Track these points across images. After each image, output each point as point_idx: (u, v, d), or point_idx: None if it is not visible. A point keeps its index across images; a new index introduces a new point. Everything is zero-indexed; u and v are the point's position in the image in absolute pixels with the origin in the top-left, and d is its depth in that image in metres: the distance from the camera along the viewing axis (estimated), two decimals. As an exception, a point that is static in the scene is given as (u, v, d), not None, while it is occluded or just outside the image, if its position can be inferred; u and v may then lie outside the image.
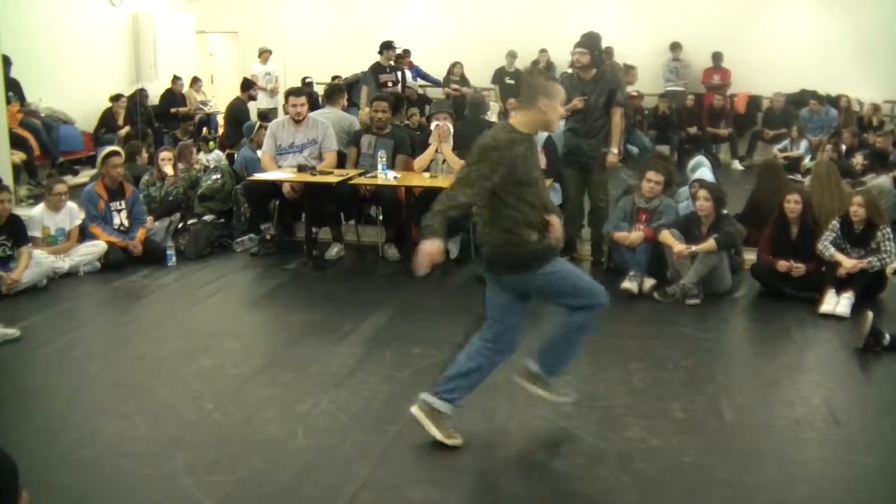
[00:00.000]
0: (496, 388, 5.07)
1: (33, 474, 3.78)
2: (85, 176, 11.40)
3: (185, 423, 4.67)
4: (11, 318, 6.17)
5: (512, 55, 15.22)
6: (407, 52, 14.66)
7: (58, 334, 6.07)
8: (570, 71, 7.95)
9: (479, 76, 15.32)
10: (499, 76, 15.37)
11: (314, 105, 10.87)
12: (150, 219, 8.28)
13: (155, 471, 4.16)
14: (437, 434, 4.36)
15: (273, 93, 14.99)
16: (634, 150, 13.63)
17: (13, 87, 11.07)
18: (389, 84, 12.07)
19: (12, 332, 5.90)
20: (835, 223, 6.97)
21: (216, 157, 10.75)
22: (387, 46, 12.31)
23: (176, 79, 14.74)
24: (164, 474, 4.11)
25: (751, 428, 4.71)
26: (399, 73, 13.40)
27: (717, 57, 14.80)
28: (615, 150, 7.60)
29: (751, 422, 4.79)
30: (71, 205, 7.81)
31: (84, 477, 4.11)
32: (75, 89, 13.22)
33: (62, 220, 7.68)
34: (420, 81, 15.03)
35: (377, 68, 12.12)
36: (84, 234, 7.82)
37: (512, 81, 15.11)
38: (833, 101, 14.04)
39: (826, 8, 14.47)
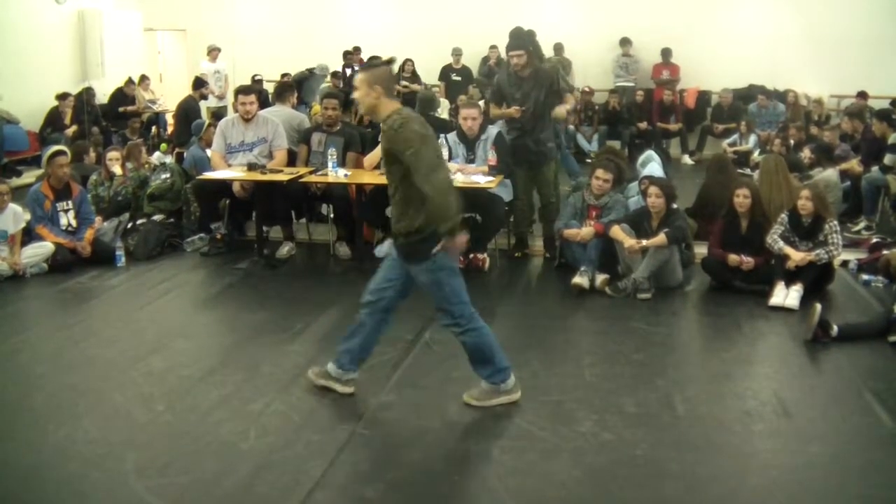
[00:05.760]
0: (450, 382, 5.09)
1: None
2: (30, 177, 11.22)
3: (135, 425, 4.60)
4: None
5: (457, 52, 15.26)
6: (357, 49, 14.61)
7: (3, 338, 5.96)
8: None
9: (431, 73, 15.33)
10: (445, 73, 15.39)
11: (264, 103, 10.78)
12: (98, 219, 8.17)
13: (105, 474, 4.10)
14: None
15: (221, 98, 14.85)
16: (586, 145, 13.74)
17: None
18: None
19: None
20: (783, 216, 7.05)
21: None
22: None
23: (129, 82, 14.53)
24: (115, 477, 4.05)
25: (702, 421, 4.75)
26: (350, 70, 13.36)
27: (666, 53, 14.96)
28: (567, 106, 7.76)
29: (702, 414, 4.83)
30: (14, 207, 7.58)
31: (33, 483, 4.04)
32: (20, 88, 13.01)
33: (5, 221, 7.45)
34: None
35: None
36: (30, 235, 7.68)
37: (459, 78, 15.13)
38: (781, 96, 14.25)
39: (773, 4, 14.67)
